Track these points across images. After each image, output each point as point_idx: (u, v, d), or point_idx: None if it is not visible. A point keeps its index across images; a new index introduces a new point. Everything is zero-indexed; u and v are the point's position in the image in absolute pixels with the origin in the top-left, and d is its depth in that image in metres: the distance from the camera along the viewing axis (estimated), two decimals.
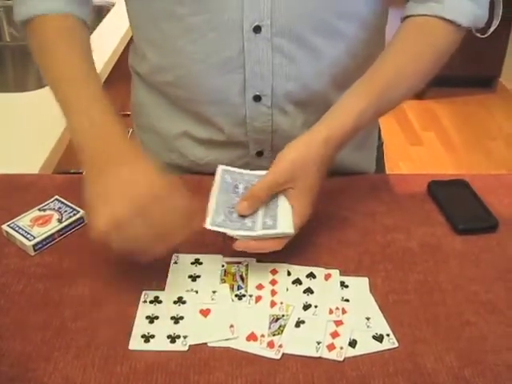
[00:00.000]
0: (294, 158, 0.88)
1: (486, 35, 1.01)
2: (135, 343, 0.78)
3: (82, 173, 1.25)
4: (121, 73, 1.35)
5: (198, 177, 1.08)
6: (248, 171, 0.95)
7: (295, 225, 0.87)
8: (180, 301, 0.83)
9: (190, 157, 1.15)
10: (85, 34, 1.02)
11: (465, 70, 4.05)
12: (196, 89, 1.04)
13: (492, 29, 1.01)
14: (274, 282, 0.87)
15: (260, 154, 1.10)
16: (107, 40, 1.09)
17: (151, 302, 0.84)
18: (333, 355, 0.76)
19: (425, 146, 3.71)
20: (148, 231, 0.78)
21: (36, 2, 0.99)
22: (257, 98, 1.03)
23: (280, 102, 1.04)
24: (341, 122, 0.91)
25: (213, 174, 0.94)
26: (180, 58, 1.03)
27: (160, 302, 0.84)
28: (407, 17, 0.99)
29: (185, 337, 0.78)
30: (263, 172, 0.91)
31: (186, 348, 0.77)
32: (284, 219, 0.87)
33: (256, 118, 1.05)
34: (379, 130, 1.28)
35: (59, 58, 0.95)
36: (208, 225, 0.85)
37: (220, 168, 0.94)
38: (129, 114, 1.27)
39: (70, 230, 0.96)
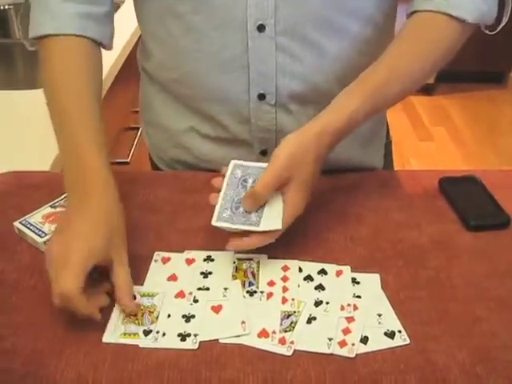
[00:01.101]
0: (291, 153, 0.87)
1: (494, 32, 1.00)
2: (145, 341, 0.78)
3: None
4: (131, 69, 1.35)
5: (209, 174, 1.08)
6: (258, 164, 0.94)
7: (287, 219, 0.87)
8: (192, 299, 0.83)
9: (196, 152, 1.15)
10: (91, 63, 1.00)
11: (475, 66, 4.05)
12: (200, 87, 1.04)
13: (501, 26, 1.00)
14: (285, 279, 0.87)
15: (264, 152, 1.10)
16: (117, 36, 1.08)
17: None
18: (344, 352, 0.76)
19: (435, 142, 3.71)
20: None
21: (47, 18, 0.98)
22: (261, 97, 1.03)
23: (284, 100, 1.03)
24: (333, 120, 0.90)
25: (217, 170, 0.94)
26: (184, 57, 1.03)
27: None
28: (413, 12, 0.98)
29: (195, 335, 0.78)
30: None
31: (196, 346, 0.77)
32: (274, 215, 0.87)
33: (260, 116, 1.05)
34: (387, 128, 1.27)
35: (62, 96, 0.94)
36: (213, 221, 0.86)
37: (232, 163, 0.93)
38: (138, 111, 1.28)
39: None
